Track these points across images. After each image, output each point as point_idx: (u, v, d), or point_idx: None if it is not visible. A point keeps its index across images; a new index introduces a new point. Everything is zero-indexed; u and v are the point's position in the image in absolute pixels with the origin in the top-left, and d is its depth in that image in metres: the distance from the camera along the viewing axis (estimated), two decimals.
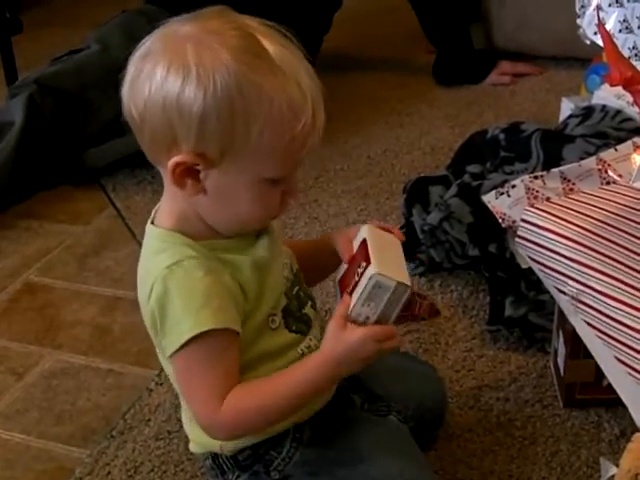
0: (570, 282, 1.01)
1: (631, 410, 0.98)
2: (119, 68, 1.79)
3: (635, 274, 1.00)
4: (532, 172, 1.36)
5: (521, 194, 1.23)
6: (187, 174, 0.84)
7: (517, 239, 1.07)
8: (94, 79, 1.87)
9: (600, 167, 1.24)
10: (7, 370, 1.34)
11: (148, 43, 0.86)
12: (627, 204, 1.09)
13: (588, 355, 1.05)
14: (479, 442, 1.14)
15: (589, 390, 1.16)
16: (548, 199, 1.19)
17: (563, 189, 1.25)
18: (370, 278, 0.88)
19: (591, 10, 1.72)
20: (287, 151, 0.84)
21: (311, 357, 0.90)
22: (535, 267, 1.07)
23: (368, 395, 1.04)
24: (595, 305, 0.99)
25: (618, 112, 1.52)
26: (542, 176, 1.24)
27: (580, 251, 1.02)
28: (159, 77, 0.81)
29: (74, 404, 1.26)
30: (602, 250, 1.02)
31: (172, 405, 1.23)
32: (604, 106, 1.55)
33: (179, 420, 1.20)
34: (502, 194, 1.22)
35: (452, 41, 2.20)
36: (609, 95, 1.56)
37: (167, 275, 0.85)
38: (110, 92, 1.86)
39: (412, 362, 1.19)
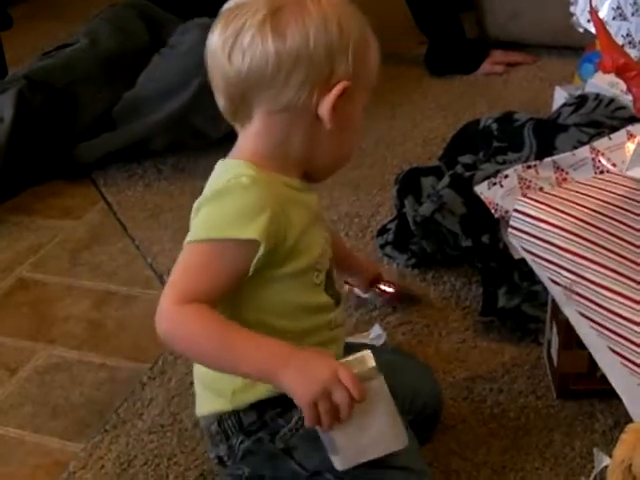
0: (564, 272, 1.01)
1: (625, 401, 0.98)
2: (109, 62, 1.78)
3: (630, 264, 1.00)
4: (525, 162, 1.35)
5: (514, 184, 1.23)
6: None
7: (510, 229, 1.07)
8: (84, 73, 1.86)
9: (594, 156, 1.23)
10: (1, 365, 1.34)
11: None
12: (621, 193, 1.09)
13: (581, 346, 1.05)
14: (472, 433, 1.14)
15: (583, 381, 1.16)
16: (541, 189, 1.19)
17: (556, 178, 1.25)
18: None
19: None
20: (374, 77, 0.95)
21: (275, 340, 0.89)
22: (528, 258, 1.07)
23: None
24: (589, 295, 0.99)
25: (612, 100, 1.51)
26: (535, 166, 1.24)
27: (573, 241, 1.02)
28: (316, 15, 0.89)
29: (68, 399, 1.26)
30: (596, 240, 1.02)
31: (165, 399, 1.23)
32: (597, 95, 1.54)
33: (172, 414, 1.20)
34: (495, 184, 1.21)
35: (444, 31, 2.20)
36: (602, 83, 1.56)
37: (226, 183, 0.89)
38: (100, 86, 1.89)
39: (405, 358, 1.19)
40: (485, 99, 2.05)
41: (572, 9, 1.77)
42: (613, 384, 1.00)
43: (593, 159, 1.27)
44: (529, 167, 1.25)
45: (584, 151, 1.27)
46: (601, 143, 1.28)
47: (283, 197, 0.90)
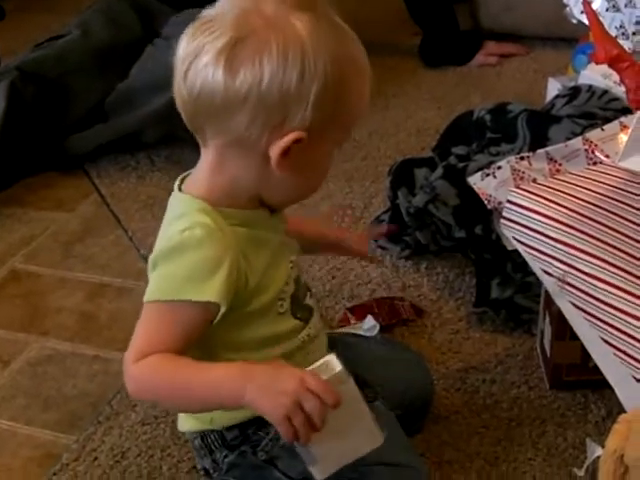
0: (556, 263, 1.01)
1: (617, 391, 0.98)
2: (101, 53, 1.78)
3: (622, 255, 1.00)
4: (518, 153, 1.35)
5: (507, 175, 1.23)
6: (285, 152, 0.85)
7: (502, 220, 1.07)
8: (76, 65, 1.85)
9: (587, 147, 1.23)
10: None
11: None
12: (614, 185, 1.09)
13: (574, 337, 1.05)
14: (465, 424, 1.14)
15: (576, 372, 1.16)
16: (534, 180, 1.18)
17: (549, 170, 1.25)
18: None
19: None
20: (357, 112, 0.89)
21: (232, 363, 0.87)
22: (520, 248, 1.07)
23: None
24: (581, 286, 0.99)
25: (605, 92, 1.51)
26: (528, 157, 1.24)
27: (566, 232, 1.01)
28: (275, 59, 0.81)
29: (60, 391, 1.26)
30: (588, 231, 1.01)
31: None
32: (590, 86, 1.54)
33: None
34: (488, 175, 1.21)
35: (438, 22, 2.19)
36: (596, 75, 1.56)
37: (179, 237, 0.86)
38: (92, 77, 1.88)
39: (398, 349, 1.19)
40: (479, 90, 2.05)
41: (565, 0, 1.76)
42: (606, 375, 1.00)
43: (586, 150, 1.27)
44: (522, 158, 1.25)
45: (577, 142, 1.27)
46: (594, 134, 1.27)
47: (241, 240, 0.88)
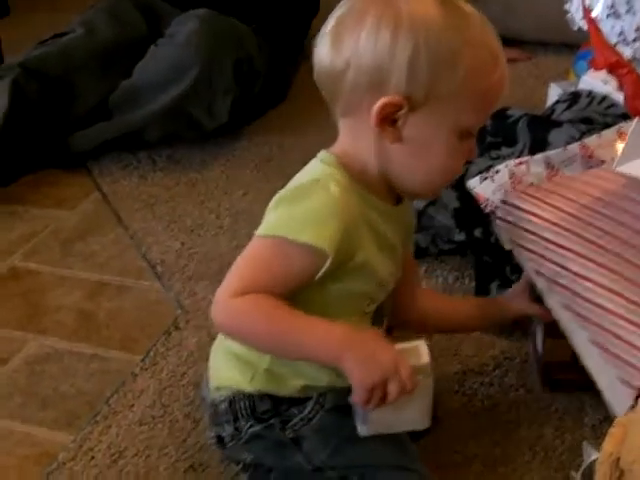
0: (547, 264, 1.01)
1: (604, 393, 0.99)
2: (105, 51, 1.78)
3: (613, 257, 1.00)
4: (518, 157, 1.35)
5: (505, 180, 1.23)
6: (389, 119, 0.88)
7: (497, 220, 1.07)
8: (79, 62, 1.86)
9: (584, 153, 1.23)
10: None
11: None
12: (612, 189, 1.09)
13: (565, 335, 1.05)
14: (463, 427, 1.14)
15: (567, 370, 1.16)
16: (531, 184, 1.19)
17: (547, 175, 1.25)
18: None
19: None
20: (485, 99, 0.90)
21: (337, 324, 0.89)
22: (514, 248, 1.07)
23: None
24: (571, 286, 0.99)
25: (604, 98, 1.51)
26: (526, 161, 1.24)
27: (559, 233, 1.02)
28: (370, 25, 0.87)
29: (58, 389, 1.26)
30: (581, 232, 1.02)
31: (156, 390, 1.23)
32: (590, 92, 1.54)
33: (163, 405, 1.20)
34: (486, 179, 1.21)
35: None
36: (596, 80, 1.56)
37: (310, 184, 0.89)
38: (96, 75, 1.88)
39: None
40: None
41: (567, 6, 1.77)
42: (593, 375, 1.00)
43: (583, 156, 1.27)
44: (520, 163, 1.25)
45: (574, 148, 1.27)
46: (591, 140, 1.28)
47: (362, 216, 0.90)
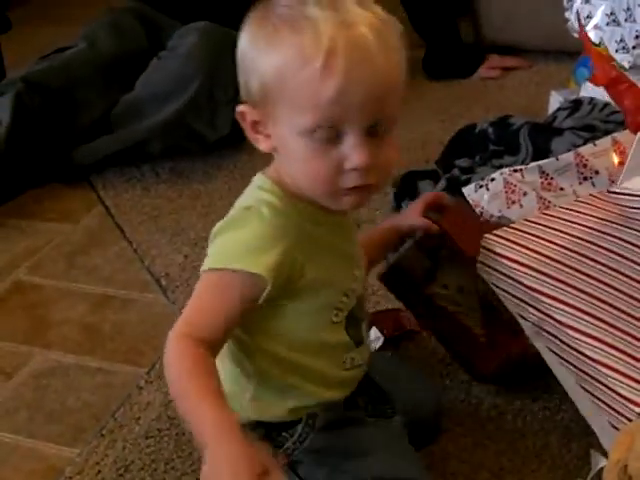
0: (530, 309, 0.99)
1: (597, 433, 0.98)
2: (107, 65, 1.77)
3: (597, 303, 0.98)
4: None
5: (499, 188, 1.23)
6: (255, 129, 0.89)
7: (479, 265, 1.05)
8: (82, 76, 1.86)
9: (578, 161, 1.23)
10: None
11: None
12: (588, 225, 1.07)
13: None
14: (470, 435, 1.13)
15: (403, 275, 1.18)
16: (525, 194, 1.19)
17: (541, 183, 1.25)
18: None
19: (578, 3, 1.72)
20: (312, 96, 0.82)
21: (224, 412, 0.82)
22: (497, 292, 1.05)
23: (371, 398, 1.04)
24: (556, 333, 0.97)
25: (606, 105, 1.51)
26: (521, 170, 1.24)
27: (538, 279, 0.99)
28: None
29: (64, 403, 1.26)
30: (561, 277, 0.99)
31: (162, 403, 1.23)
32: (592, 99, 1.55)
33: (169, 418, 1.20)
34: (481, 187, 1.22)
35: (441, 35, 2.20)
36: (597, 87, 1.56)
37: (243, 211, 0.89)
38: (98, 89, 1.89)
39: (407, 370, 1.19)
40: (482, 103, 2.05)
41: (567, 14, 1.77)
42: (585, 416, 1.00)
43: (577, 164, 1.27)
44: (515, 171, 1.25)
45: (569, 157, 1.27)
46: (586, 149, 1.28)
47: (304, 233, 0.89)
